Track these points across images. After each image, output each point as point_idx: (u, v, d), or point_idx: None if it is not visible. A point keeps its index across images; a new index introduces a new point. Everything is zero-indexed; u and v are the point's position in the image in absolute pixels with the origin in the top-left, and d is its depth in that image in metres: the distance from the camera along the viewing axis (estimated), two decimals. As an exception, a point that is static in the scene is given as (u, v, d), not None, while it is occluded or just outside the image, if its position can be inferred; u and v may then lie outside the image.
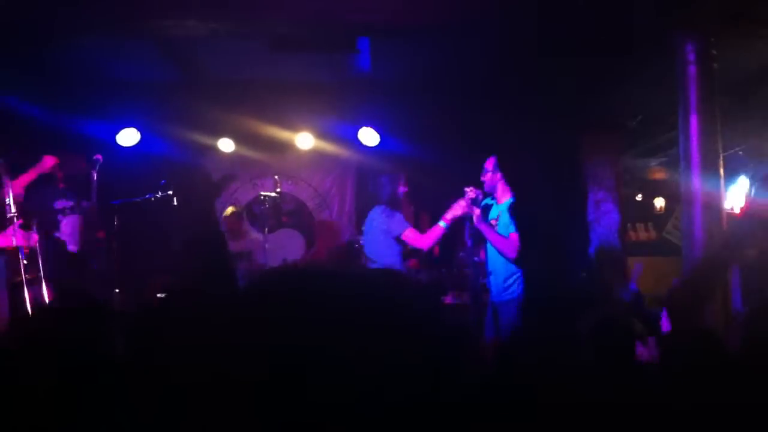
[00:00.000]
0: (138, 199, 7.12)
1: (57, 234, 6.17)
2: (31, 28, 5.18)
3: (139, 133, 7.73)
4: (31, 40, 5.51)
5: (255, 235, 7.89)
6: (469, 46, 5.88)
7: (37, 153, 6.34)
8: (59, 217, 6.19)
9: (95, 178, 6.77)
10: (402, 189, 5.97)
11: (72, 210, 6.24)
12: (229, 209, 8.06)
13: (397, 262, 5.85)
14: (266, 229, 7.68)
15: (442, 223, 5.66)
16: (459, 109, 7.06)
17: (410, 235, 5.80)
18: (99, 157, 6.79)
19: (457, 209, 5.55)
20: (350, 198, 8.67)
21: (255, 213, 8.33)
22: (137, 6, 5.04)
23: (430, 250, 6.12)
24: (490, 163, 5.63)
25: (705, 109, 4.72)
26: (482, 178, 5.67)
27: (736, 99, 5.62)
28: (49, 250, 6.10)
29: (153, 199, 7.18)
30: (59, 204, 6.23)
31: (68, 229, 6.24)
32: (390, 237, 5.90)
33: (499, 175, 5.62)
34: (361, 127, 7.78)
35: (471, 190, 5.58)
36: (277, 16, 5.32)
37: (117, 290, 6.47)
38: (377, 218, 5.92)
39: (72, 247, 6.26)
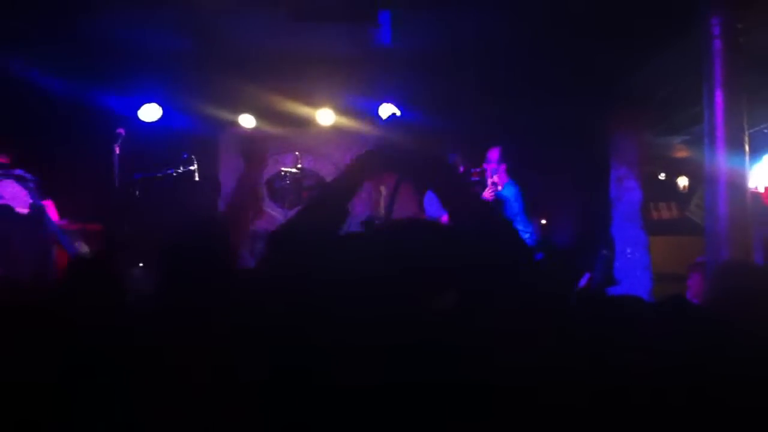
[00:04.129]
0: (159, 174, 7.15)
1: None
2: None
3: (160, 108, 7.74)
4: (53, 12, 5.53)
5: (275, 211, 7.90)
6: (490, 18, 5.82)
7: (59, 126, 6.39)
8: None
9: (117, 152, 6.80)
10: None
11: (3, 176, 6.17)
12: None
13: None
14: (286, 204, 7.69)
15: None
16: (480, 83, 7.00)
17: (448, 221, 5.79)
18: (121, 131, 6.81)
19: (487, 196, 5.71)
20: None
21: (275, 188, 8.33)
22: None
23: None
24: (494, 154, 5.81)
25: (731, 85, 4.64)
26: (485, 166, 5.83)
27: (763, 75, 5.50)
28: None
29: (174, 173, 7.21)
30: None
31: (7, 192, 6.18)
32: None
33: (504, 165, 5.81)
34: (381, 102, 7.75)
35: (494, 180, 5.75)
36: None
37: (140, 264, 6.48)
38: (426, 198, 6.00)
39: (21, 210, 6.20)
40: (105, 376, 1.75)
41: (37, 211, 6.14)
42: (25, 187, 6.13)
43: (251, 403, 1.37)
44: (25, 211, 6.13)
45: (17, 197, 6.11)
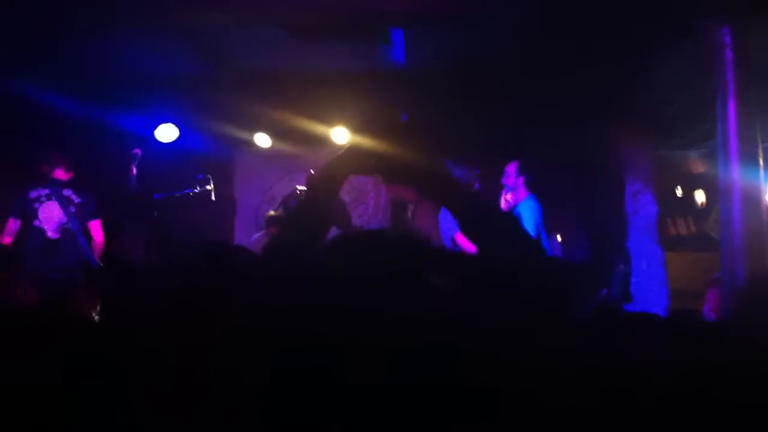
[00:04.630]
0: (177, 194, 7.21)
1: (36, 222, 6.22)
2: (63, 23, 5.28)
3: (177, 129, 7.75)
4: (66, 33, 5.61)
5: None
6: (502, 34, 5.82)
7: (75, 147, 6.47)
8: (35, 205, 6.22)
9: (134, 172, 6.87)
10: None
11: (48, 197, 6.26)
12: (270, 212, 8.08)
13: None
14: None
15: None
16: (493, 99, 6.99)
17: (461, 237, 5.73)
18: (138, 151, 6.89)
19: None
20: (385, 191, 8.66)
21: (290, 207, 8.36)
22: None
23: None
24: (511, 168, 5.75)
25: (742, 96, 4.58)
26: (503, 182, 5.78)
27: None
28: (28, 239, 6.20)
29: (192, 194, 7.26)
30: (34, 193, 6.27)
31: (45, 215, 6.25)
32: (447, 236, 5.89)
33: (522, 178, 5.75)
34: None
35: (509, 197, 5.71)
36: (313, 6, 5.36)
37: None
38: (441, 214, 5.95)
39: (51, 234, 6.25)
40: (105, 377, 1.75)
41: (67, 235, 6.21)
42: (65, 211, 6.21)
43: (252, 404, 1.37)
44: (56, 235, 6.20)
45: (52, 220, 6.19)
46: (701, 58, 4.83)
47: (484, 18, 5.46)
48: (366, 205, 8.75)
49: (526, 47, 5.97)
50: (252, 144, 8.39)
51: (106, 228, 6.48)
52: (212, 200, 7.38)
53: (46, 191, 6.23)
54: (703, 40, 4.76)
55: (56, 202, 6.22)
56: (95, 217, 6.42)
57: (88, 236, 6.33)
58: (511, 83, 6.69)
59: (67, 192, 6.30)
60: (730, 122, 4.61)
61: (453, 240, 5.87)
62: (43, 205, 6.21)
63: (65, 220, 6.22)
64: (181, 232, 7.51)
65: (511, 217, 5.52)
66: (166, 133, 7.74)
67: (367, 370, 1.31)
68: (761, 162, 4.69)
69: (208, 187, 7.31)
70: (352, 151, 1.99)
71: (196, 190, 7.27)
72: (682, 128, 7.19)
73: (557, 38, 5.65)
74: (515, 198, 5.90)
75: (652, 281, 7.02)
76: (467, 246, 5.62)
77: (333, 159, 1.97)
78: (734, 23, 4.60)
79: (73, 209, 6.27)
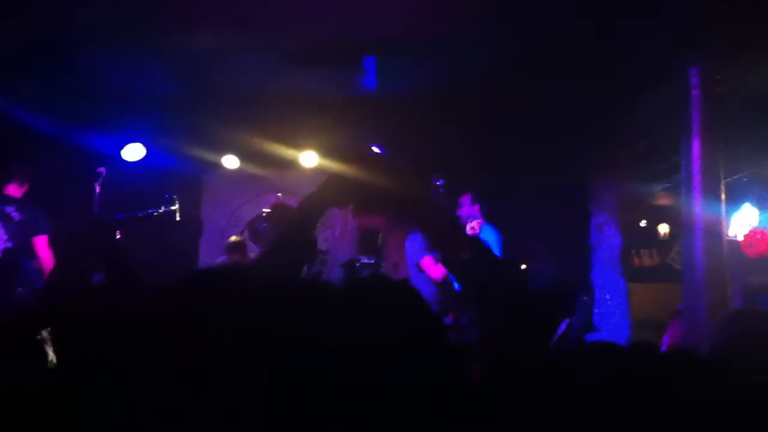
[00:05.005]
0: (141, 213, 7.11)
1: None
2: (39, 40, 5.24)
3: (145, 148, 7.66)
4: (38, 52, 5.55)
5: (257, 253, 7.85)
6: (472, 65, 5.88)
7: (40, 164, 6.37)
8: None
9: (98, 191, 6.77)
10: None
11: None
12: (233, 238, 8.01)
13: (425, 290, 5.67)
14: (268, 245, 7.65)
15: None
16: (462, 129, 7.04)
17: (426, 263, 5.74)
18: (102, 170, 6.79)
19: None
20: (352, 217, 8.67)
21: (258, 230, 8.32)
22: (144, 19, 5.08)
23: None
24: (466, 199, 5.82)
25: (708, 134, 4.68)
26: (459, 213, 5.84)
27: (743, 123, 5.56)
28: None
29: (155, 214, 7.17)
30: None
31: None
32: (412, 262, 5.89)
33: (476, 207, 5.81)
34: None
35: (474, 224, 5.73)
36: (286, 32, 5.38)
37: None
38: (408, 241, 5.96)
39: None
40: (105, 378, 1.73)
41: (9, 255, 6.03)
42: (6, 229, 6.03)
43: (252, 405, 1.35)
44: None
45: None
46: (673, 96, 4.91)
47: (458, 44, 5.51)
48: (333, 229, 8.73)
49: (496, 82, 6.05)
50: (220, 165, 8.34)
51: (63, 246, 6.33)
52: (176, 221, 7.28)
53: None
54: (674, 79, 4.85)
55: None
56: (41, 234, 6.21)
57: (32, 254, 6.16)
58: (483, 110, 6.75)
59: (9, 209, 6.11)
60: (694, 158, 4.70)
61: (418, 266, 5.87)
62: None
63: (6, 239, 6.06)
64: (144, 252, 7.42)
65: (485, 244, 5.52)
66: (133, 152, 7.65)
67: (367, 370, 1.31)
68: (723, 197, 4.78)
69: (173, 208, 7.22)
70: (334, 181, 1.96)
71: (160, 211, 7.18)
72: (649, 163, 7.31)
73: (529, 74, 5.73)
74: (474, 227, 5.93)
75: (615, 312, 7.09)
76: (432, 272, 5.66)
77: (313, 192, 1.95)
78: (703, 65, 4.69)
79: (13, 227, 6.08)
